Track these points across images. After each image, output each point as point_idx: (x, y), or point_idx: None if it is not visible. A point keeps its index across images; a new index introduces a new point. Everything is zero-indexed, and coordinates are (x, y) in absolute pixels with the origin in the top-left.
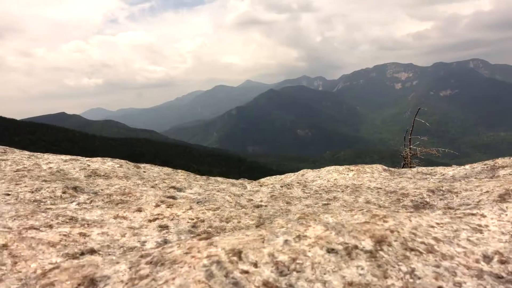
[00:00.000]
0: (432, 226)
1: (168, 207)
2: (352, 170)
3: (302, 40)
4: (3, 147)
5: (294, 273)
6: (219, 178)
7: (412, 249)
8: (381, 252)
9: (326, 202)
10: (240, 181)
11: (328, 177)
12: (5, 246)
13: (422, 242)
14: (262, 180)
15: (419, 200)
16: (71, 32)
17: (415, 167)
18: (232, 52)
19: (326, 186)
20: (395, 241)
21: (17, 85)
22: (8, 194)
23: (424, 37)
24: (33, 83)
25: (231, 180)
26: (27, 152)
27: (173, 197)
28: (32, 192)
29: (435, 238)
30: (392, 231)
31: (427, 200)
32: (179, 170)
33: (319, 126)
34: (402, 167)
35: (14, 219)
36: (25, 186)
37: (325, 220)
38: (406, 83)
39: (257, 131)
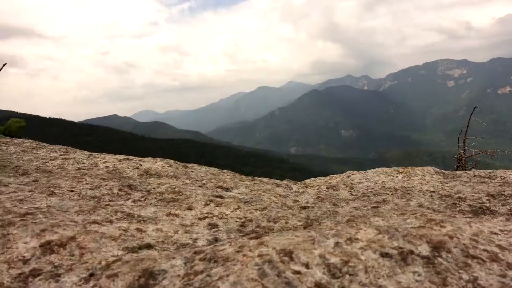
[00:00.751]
0: (495, 233)
1: (216, 206)
2: (401, 172)
3: (346, 35)
4: (66, 147)
5: (347, 276)
6: (264, 179)
7: (474, 257)
8: (439, 259)
9: (375, 205)
10: (285, 182)
11: (375, 179)
12: (73, 238)
13: (485, 250)
14: (307, 181)
15: (478, 205)
16: (110, 35)
17: (471, 169)
18: (273, 52)
19: (373, 188)
20: (455, 247)
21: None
22: (72, 191)
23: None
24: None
25: (276, 181)
26: (86, 152)
27: (221, 197)
28: (92, 189)
29: (499, 246)
30: (451, 237)
31: (487, 205)
32: (225, 170)
33: (364, 127)
34: (456, 170)
35: (79, 213)
36: (86, 184)
37: (376, 223)
38: (460, 81)
39: (299, 132)
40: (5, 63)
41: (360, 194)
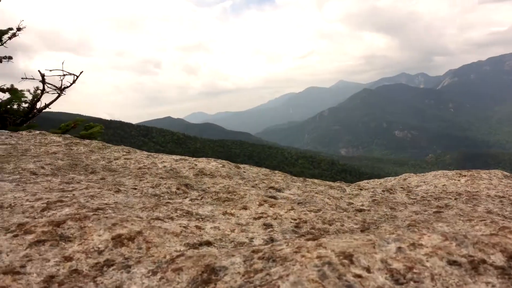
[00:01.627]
0: None
1: (270, 207)
2: (465, 176)
3: (401, 25)
4: (128, 147)
5: (411, 283)
6: (315, 180)
7: None
8: None
9: (436, 210)
10: (337, 183)
11: (435, 182)
12: (140, 233)
13: None
14: (361, 183)
15: None
16: (154, 41)
17: None
18: (322, 49)
19: (434, 192)
20: None
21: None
22: (135, 189)
23: None
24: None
25: (328, 183)
26: (145, 152)
27: (274, 197)
28: (153, 188)
29: None
30: None
31: None
32: (276, 171)
33: (420, 127)
34: None
35: (143, 210)
36: (147, 182)
37: (440, 229)
38: None
39: (350, 132)
40: (82, 71)
41: (419, 198)
